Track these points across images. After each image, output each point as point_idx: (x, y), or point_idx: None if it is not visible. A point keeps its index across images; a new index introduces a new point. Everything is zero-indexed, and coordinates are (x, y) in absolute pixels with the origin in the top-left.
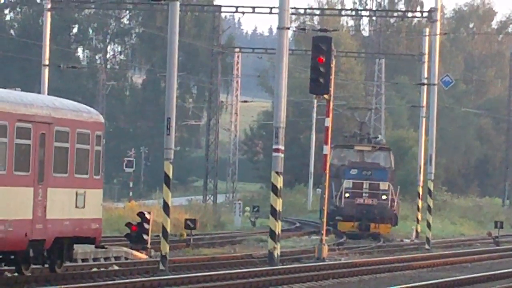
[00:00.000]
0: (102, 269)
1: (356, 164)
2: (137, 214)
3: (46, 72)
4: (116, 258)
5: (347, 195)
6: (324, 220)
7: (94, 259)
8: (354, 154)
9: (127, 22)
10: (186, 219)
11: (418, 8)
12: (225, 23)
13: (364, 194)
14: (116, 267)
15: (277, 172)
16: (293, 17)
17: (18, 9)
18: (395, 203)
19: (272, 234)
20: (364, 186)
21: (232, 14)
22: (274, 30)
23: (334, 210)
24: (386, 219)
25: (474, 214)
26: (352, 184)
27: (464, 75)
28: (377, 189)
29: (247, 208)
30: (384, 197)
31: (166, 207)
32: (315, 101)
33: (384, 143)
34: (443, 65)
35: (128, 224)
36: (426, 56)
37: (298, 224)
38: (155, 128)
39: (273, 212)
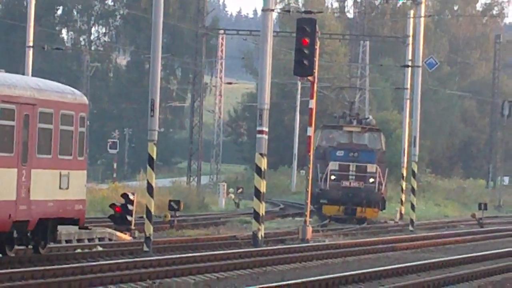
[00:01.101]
0: (86, 250)
1: (343, 145)
2: (121, 196)
3: (30, 53)
4: (100, 239)
5: (332, 177)
6: (308, 202)
7: (78, 240)
8: (343, 135)
9: (112, 4)
10: (170, 201)
11: None
12: (210, 5)
13: (350, 177)
14: (100, 248)
15: (261, 154)
16: None
17: None
18: (383, 186)
19: (256, 216)
20: (351, 168)
21: None
22: (259, 12)
23: (319, 193)
24: (373, 203)
25: (458, 196)
26: (338, 166)
27: (448, 57)
28: (364, 172)
29: (231, 190)
30: (371, 180)
31: (150, 189)
32: (299, 83)
33: (374, 124)
34: (428, 47)
35: (112, 205)
36: (411, 38)
37: (282, 206)
38: (139, 110)
39: (257, 193)
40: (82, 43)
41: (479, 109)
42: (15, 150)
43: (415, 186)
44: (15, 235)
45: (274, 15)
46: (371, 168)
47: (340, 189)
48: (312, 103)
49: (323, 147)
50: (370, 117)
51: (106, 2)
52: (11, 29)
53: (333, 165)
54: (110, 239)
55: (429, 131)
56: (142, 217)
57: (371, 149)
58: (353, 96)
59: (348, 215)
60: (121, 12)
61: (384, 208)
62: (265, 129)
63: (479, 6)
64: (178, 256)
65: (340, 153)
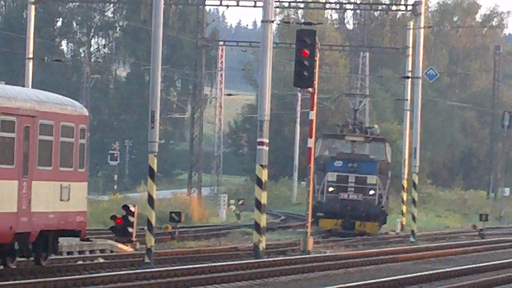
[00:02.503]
0: (87, 261)
1: (342, 155)
2: (122, 207)
3: (30, 65)
4: (102, 251)
5: (330, 189)
6: (309, 213)
7: (80, 252)
8: (345, 144)
9: (111, 15)
10: (171, 212)
11: (403, 2)
12: (209, 16)
13: (349, 189)
14: (101, 260)
15: (261, 165)
16: (277, 10)
17: (2, 2)
18: (384, 199)
19: (257, 227)
20: (350, 179)
21: (216, 7)
22: (259, 24)
23: (316, 205)
24: (373, 217)
25: (459, 207)
26: (336, 177)
27: (448, 68)
28: (364, 183)
29: (232, 201)
30: (371, 192)
31: (150, 200)
32: (300, 94)
33: (378, 133)
34: (427, 59)
35: (113, 217)
36: (410, 50)
37: (283, 217)
38: (140, 121)
39: (258, 205)
40: (82, 54)
41: (480, 120)
42: (16, 162)
43: (416, 197)
44: (16, 247)
45: (274, 26)
46: (372, 179)
47: (338, 201)
48: (313, 114)
49: (324, 157)
50: (376, 126)
51: (106, 14)
52: (11, 41)
53: (331, 176)
54: (111, 251)
55: (430, 142)
56: (143, 228)
57: (372, 159)
58: (356, 105)
59: (346, 229)
60: (121, 23)
61: (385, 222)
62: (266, 140)
63: (478, 17)
64: (179, 267)
65: (338, 163)
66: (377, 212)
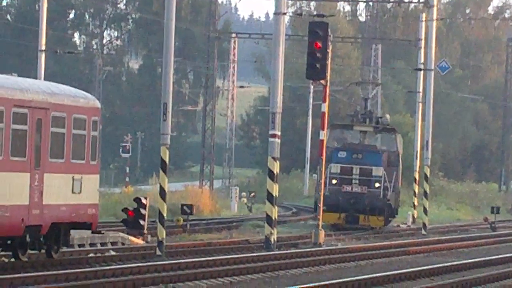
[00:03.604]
0: (98, 254)
1: (347, 146)
2: (134, 200)
3: (42, 57)
4: (113, 243)
5: (334, 181)
6: (321, 205)
7: (91, 245)
8: (353, 135)
9: (124, 7)
10: (182, 205)
11: None
12: (222, 8)
13: (353, 181)
14: (113, 253)
15: (273, 158)
16: (290, 2)
17: None
18: (390, 191)
19: (269, 220)
20: (354, 171)
21: None
22: (271, 16)
23: (318, 198)
24: (378, 211)
25: (471, 200)
26: (340, 169)
27: (460, 60)
28: (369, 175)
29: (244, 194)
30: (377, 184)
31: (162, 193)
32: (312, 86)
33: (388, 123)
34: (440, 51)
35: (125, 210)
36: (423, 42)
37: (294, 210)
38: (152, 114)
39: (270, 197)
40: (94, 47)
41: (491, 113)
42: (28, 155)
43: (427, 190)
44: (28, 239)
45: (286, 18)
46: (377, 171)
47: (341, 194)
48: (325, 107)
49: (330, 148)
50: (387, 116)
51: (118, 6)
52: (23, 33)
53: (334, 168)
54: (123, 244)
55: (442, 134)
56: (154, 221)
57: (378, 150)
58: (367, 93)
59: (350, 224)
60: (133, 16)
61: (393, 216)
62: (278, 132)
63: (491, 9)
64: (190, 260)
65: (342, 154)
66: (382, 206)
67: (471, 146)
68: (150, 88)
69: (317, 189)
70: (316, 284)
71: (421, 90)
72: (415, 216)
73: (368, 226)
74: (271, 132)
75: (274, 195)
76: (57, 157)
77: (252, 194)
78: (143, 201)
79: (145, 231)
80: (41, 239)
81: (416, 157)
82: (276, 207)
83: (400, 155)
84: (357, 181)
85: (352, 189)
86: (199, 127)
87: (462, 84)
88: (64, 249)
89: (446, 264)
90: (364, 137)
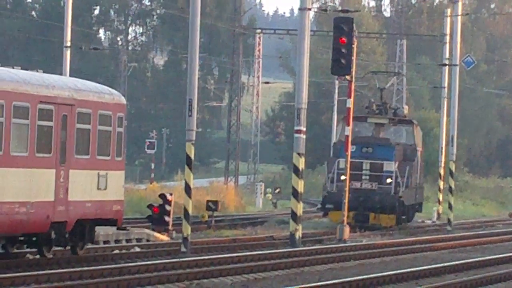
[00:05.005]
0: (123, 251)
1: (358, 139)
2: (159, 196)
3: (67, 53)
4: (138, 240)
5: (342, 177)
6: (346, 201)
7: (116, 241)
8: (368, 128)
9: (149, 3)
10: (207, 201)
11: None
12: (247, 4)
13: (363, 177)
14: (137, 249)
15: (298, 153)
16: None
17: None
18: (402, 188)
19: (294, 216)
20: (364, 166)
21: None
22: (296, 11)
23: (325, 196)
24: (389, 209)
25: (496, 195)
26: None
27: (485, 55)
28: (380, 171)
29: (269, 190)
30: (389, 180)
31: (187, 189)
32: (337, 82)
33: (404, 114)
34: (465, 46)
35: (150, 206)
36: (448, 37)
37: (319, 206)
38: (177, 110)
39: (295, 193)
40: (120, 43)
41: None
42: (53, 151)
43: (453, 186)
44: (53, 236)
45: (311, 14)
46: (389, 166)
47: (350, 191)
48: (350, 102)
49: (341, 142)
50: (406, 106)
51: (143, 2)
52: (48, 29)
53: (342, 163)
54: (148, 240)
55: (467, 130)
56: (179, 217)
57: (390, 143)
58: (385, 83)
59: (359, 223)
60: (158, 11)
61: (406, 214)
62: (303, 128)
63: None
64: (215, 256)
65: (351, 148)
66: (394, 203)
67: (496, 142)
68: (175, 84)
69: (323, 187)
70: (314, 284)
71: (446, 85)
72: (440, 212)
73: (379, 225)
74: (296, 127)
75: (299, 191)
76: (83, 153)
77: (277, 190)
78: (168, 197)
79: (170, 228)
80: (66, 235)
81: (441, 152)
82: (301, 203)
83: (419, 149)
84: (367, 177)
85: (361, 185)
86: (224, 123)
87: (487, 79)
88: (89, 245)
89: (470, 260)
90: (379, 130)
